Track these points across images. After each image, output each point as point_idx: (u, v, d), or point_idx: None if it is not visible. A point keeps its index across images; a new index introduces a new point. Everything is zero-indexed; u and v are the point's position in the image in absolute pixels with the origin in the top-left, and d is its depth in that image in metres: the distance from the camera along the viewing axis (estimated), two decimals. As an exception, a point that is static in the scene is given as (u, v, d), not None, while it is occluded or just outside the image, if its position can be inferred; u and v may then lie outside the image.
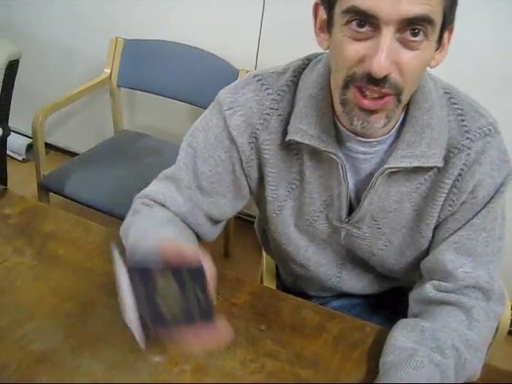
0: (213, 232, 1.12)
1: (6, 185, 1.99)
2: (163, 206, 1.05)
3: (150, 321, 0.74)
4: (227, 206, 1.09)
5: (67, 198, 2.01)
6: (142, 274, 0.74)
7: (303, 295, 1.22)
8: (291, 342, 1.02)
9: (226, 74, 2.07)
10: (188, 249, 0.80)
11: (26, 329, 0.98)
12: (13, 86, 1.85)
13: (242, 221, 2.44)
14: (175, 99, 2.22)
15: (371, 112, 0.84)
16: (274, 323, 1.05)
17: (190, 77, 2.16)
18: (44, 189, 2.05)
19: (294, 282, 1.31)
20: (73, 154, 2.85)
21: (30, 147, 3.07)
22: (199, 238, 1.10)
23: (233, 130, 1.00)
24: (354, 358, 1.00)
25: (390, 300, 1.30)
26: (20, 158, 3.04)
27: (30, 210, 1.27)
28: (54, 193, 2.05)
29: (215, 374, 0.95)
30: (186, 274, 0.76)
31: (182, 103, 2.22)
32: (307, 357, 1.00)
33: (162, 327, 0.75)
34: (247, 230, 2.50)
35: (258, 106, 1.00)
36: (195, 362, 0.96)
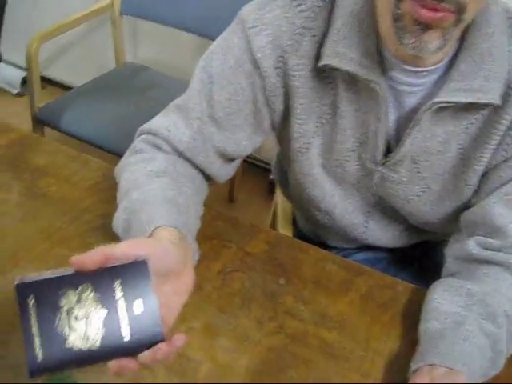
0: (226, 172, 0.98)
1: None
2: (167, 142, 0.90)
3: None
4: (244, 141, 0.95)
5: (64, 132, 1.87)
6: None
7: (322, 246, 1.09)
8: (314, 300, 0.90)
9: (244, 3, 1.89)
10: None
11: (9, 277, 0.84)
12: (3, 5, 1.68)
13: (248, 164, 2.30)
14: (183, 30, 2.03)
15: (427, 27, 0.70)
16: (295, 277, 0.93)
17: (201, 4, 1.98)
18: (39, 122, 1.90)
19: (313, 231, 1.17)
20: (71, 89, 2.68)
21: (25, 81, 2.92)
22: (210, 178, 0.95)
23: (257, 51, 0.85)
24: (385, 320, 0.88)
25: (418, 255, 1.19)
26: (15, 92, 2.90)
27: (19, 140, 1.13)
28: (50, 127, 1.90)
29: (227, 334, 0.82)
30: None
31: (191, 35, 2.04)
32: (332, 317, 0.87)
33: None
34: (253, 174, 2.37)
35: (287, 25, 0.85)
36: (205, 319, 0.83)
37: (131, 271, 0.58)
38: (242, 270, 0.91)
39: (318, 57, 0.85)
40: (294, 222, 1.27)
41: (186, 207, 0.81)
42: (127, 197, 0.81)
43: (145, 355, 0.58)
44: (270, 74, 0.87)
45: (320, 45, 0.85)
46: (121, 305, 0.58)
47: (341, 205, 1.02)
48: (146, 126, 0.94)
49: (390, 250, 1.16)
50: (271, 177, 2.31)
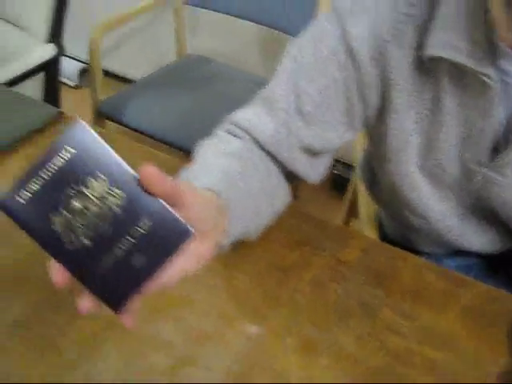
0: (315, 170, 0.90)
1: (59, 109, 1.79)
2: (248, 133, 0.83)
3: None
4: (334, 139, 0.87)
5: (125, 126, 1.81)
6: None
7: (411, 250, 1.00)
8: (415, 313, 0.82)
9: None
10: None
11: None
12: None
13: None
14: (248, 20, 1.95)
15: None
16: (393, 288, 0.84)
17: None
18: (101, 116, 1.85)
19: (403, 235, 1.09)
20: (129, 81, 2.64)
21: (82, 73, 2.91)
22: (296, 177, 0.88)
23: (354, 40, 0.78)
24: (495, 337, 0.79)
25: (506, 261, 1.08)
26: (72, 84, 2.87)
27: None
28: (111, 120, 1.85)
29: (328, 353, 0.75)
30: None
31: (255, 25, 1.96)
32: (436, 334, 0.79)
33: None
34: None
35: (388, 12, 0.77)
36: (301, 334, 0.76)
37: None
38: (335, 280, 0.84)
39: (420, 47, 0.77)
40: (379, 225, 1.18)
41: (245, 190, 0.74)
42: (188, 168, 0.74)
43: None
44: (366, 66, 0.80)
45: (423, 34, 0.76)
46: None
47: (437, 208, 0.94)
48: (229, 117, 0.87)
49: (481, 256, 1.06)
50: (335, 172, 2.23)
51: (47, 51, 1.60)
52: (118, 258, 0.49)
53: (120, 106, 1.84)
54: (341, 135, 0.87)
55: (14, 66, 1.50)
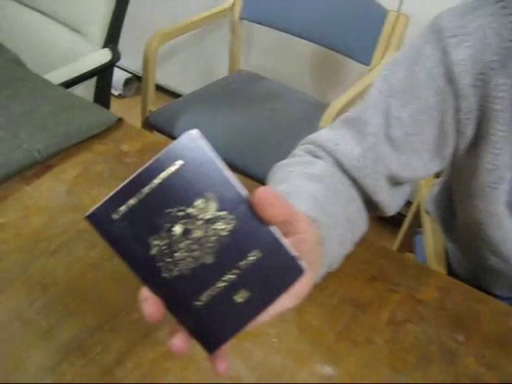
0: (396, 201, 0.83)
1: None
2: (332, 156, 0.77)
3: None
4: (419, 168, 0.80)
5: (173, 138, 1.76)
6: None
7: (481, 291, 0.93)
8: (498, 363, 0.74)
9: (370, 12, 1.75)
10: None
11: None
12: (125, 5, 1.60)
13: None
14: (304, 38, 1.90)
15: None
16: (474, 333, 0.77)
17: (321, 13, 1.85)
18: (149, 126, 1.81)
19: (475, 275, 1.01)
20: (176, 95, 2.61)
21: (127, 82, 2.89)
22: (375, 208, 0.81)
23: (455, 65, 0.71)
24: None
25: None
26: (116, 93, 2.85)
27: (150, 147, 1.02)
28: (160, 132, 1.81)
29: (407, 402, 0.67)
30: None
31: (310, 44, 1.91)
32: (522, 388, 0.71)
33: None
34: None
35: (494, 37, 0.70)
36: (378, 378, 0.69)
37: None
38: (413, 321, 0.77)
39: None
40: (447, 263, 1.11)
41: (334, 217, 0.67)
42: None
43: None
44: (466, 93, 0.73)
45: None
46: None
47: None
48: (310, 137, 0.81)
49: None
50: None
51: (102, 56, 1.56)
52: (219, 293, 0.43)
53: (169, 117, 1.80)
54: (427, 165, 0.80)
55: (67, 69, 1.46)
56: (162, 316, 0.43)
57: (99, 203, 0.42)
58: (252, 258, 0.43)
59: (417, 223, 1.43)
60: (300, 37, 1.91)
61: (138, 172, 0.41)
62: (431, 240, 1.12)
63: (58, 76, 1.40)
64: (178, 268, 0.43)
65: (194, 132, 0.42)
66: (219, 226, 0.42)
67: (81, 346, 0.67)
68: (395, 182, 0.81)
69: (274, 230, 0.43)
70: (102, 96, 1.67)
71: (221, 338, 0.44)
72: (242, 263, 0.43)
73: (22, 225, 0.81)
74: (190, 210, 0.42)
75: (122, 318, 0.70)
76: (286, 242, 0.44)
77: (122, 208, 0.42)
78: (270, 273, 0.44)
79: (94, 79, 1.64)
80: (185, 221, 0.42)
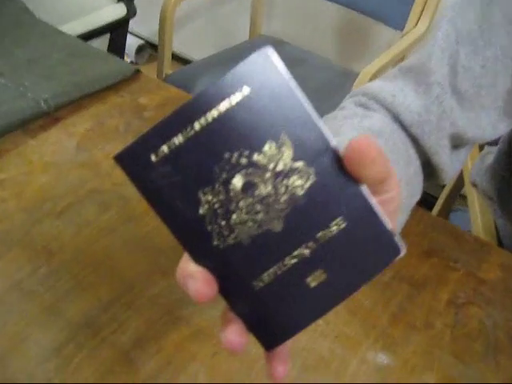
0: (454, 167, 0.72)
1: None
2: (388, 110, 0.65)
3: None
4: (487, 127, 0.68)
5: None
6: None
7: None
8: None
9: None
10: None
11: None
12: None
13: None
14: (329, 0, 1.77)
15: None
16: (546, 320, 0.66)
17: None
18: (165, 90, 1.69)
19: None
20: (189, 62, 2.49)
21: (140, 49, 2.77)
22: (434, 173, 0.69)
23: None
24: None
25: None
26: (128, 61, 2.73)
27: (170, 100, 0.90)
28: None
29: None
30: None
31: (336, 7, 1.78)
32: None
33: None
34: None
35: None
36: (441, 369, 0.58)
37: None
38: (477, 304, 0.66)
39: None
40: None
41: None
42: None
43: None
44: None
45: None
46: None
47: None
48: (359, 89, 0.69)
49: None
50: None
51: (117, 10, 1.44)
52: (287, 272, 0.33)
53: (186, 80, 1.68)
54: (496, 125, 0.68)
55: (80, 22, 1.35)
56: (215, 295, 0.32)
57: (133, 140, 0.31)
58: (334, 228, 0.32)
59: (448, 206, 1.32)
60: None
61: (187, 101, 0.30)
62: (479, 215, 1.01)
63: (70, 29, 1.28)
64: (235, 235, 0.32)
65: (269, 51, 0.31)
66: (294, 181, 0.31)
67: (91, 323, 0.56)
68: (457, 143, 0.69)
69: (366, 192, 0.32)
70: (116, 53, 1.55)
71: (284, 332, 0.33)
72: (319, 234, 0.32)
73: (24, 182, 0.70)
74: (255, 157, 0.31)
75: (139, 293, 0.59)
76: (379, 209, 0.33)
77: (164, 148, 0.30)
78: (356, 250, 0.33)
79: (107, 37, 1.52)
80: (248, 171, 0.31)
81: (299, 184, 0.31)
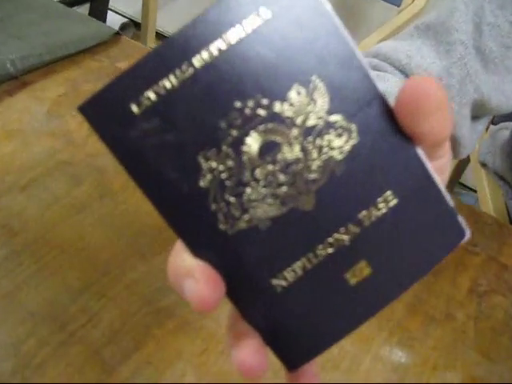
0: (473, 140, 0.64)
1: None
2: (404, 73, 0.57)
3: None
4: (510, 93, 0.60)
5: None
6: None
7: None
8: None
9: None
10: None
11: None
12: None
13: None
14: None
15: None
16: None
17: None
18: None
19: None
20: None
21: (122, 28, 2.66)
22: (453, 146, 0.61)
23: None
24: None
25: None
26: (113, 39, 2.61)
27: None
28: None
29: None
30: None
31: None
32: None
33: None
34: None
35: None
36: (465, 367, 0.50)
37: None
38: (501, 292, 0.58)
39: None
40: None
41: None
42: None
43: None
44: None
45: None
46: None
47: None
48: (370, 50, 0.61)
49: None
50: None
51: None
52: (321, 267, 0.24)
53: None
54: None
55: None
56: (221, 299, 0.23)
57: (106, 83, 0.22)
58: (382, 205, 0.24)
59: (449, 191, 1.24)
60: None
61: (182, 28, 0.22)
62: (489, 197, 0.93)
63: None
64: (249, 216, 0.23)
65: None
66: (330, 142, 0.23)
67: (57, 315, 0.47)
68: (478, 113, 0.61)
69: (424, 157, 0.24)
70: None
71: (314, 346, 0.25)
72: (363, 214, 0.24)
73: (-16, 152, 0.61)
74: (278, 107, 0.22)
75: (114, 279, 0.51)
76: (439, 180, 0.24)
77: (150, 95, 0.22)
78: (409, 234, 0.24)
79: (87, 7, 1.43)
80: (267, 127, 0.22)
81: (337, 145, 0.23)
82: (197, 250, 0.23)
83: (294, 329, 0.24)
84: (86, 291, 0.49)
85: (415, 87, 0.22)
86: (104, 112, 0.22)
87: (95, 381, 0.42)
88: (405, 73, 0.57)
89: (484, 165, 0.95)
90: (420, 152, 0.24)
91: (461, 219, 0.25)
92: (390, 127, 0.23)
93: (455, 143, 0.61)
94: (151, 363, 0.45)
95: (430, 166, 0.24)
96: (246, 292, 0.24)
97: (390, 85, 0.53)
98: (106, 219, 0.55)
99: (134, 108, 0.22)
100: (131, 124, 0.22)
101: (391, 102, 0.23)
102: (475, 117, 0.63)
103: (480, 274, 0.59)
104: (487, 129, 1.04)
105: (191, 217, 0.23)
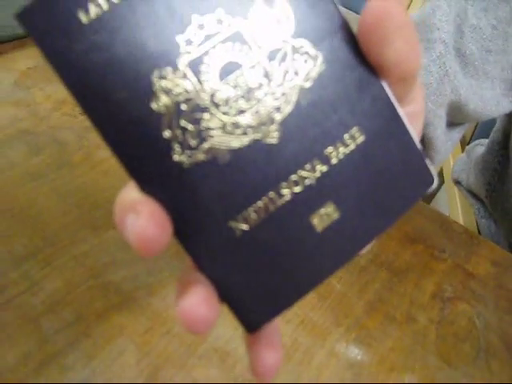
0: (447, 148, 0.63)
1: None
2: None
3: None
4: (490, 101, 0.59)
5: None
6: None
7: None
8: None
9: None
10: None
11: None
12: None
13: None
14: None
15: None
16: (542, 326, 0.56)
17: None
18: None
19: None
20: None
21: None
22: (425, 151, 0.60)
23: None
24: None
25: None
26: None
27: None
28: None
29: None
30: None
31: None
32: None
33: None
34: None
35: None
36: (424, 370, 0.48)
37: None
38: (466, 300, 0.56)
39: None
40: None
41: None
42: None
43: None
44: None
45: None
46: None
47: None
48: None
49: None
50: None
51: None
52: (284, 209, 0.22)
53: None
54: (500, 101, 0.59)
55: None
56: (167, 242, 0.21)
57: None
58: (349, 141, 0.21)
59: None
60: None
61: None
62: (461, 215, 0.92)
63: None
64: (207, 146, 0.21)
65: None
66: (297, 68, 0.21)
67: (-3, 281, 0.45)
68: (455, 116, 0.60)
69: (389, 91, 0.22)
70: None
71: (277, 302, 0.22)
72: (329, 150, 0.21)
73: None
74: (240, 25, 0.20)
75: (62, 249, 0.48)
76: (407, 120, 0.22)
77: (100, 1, 0.20)
78: (376, 175, 0.22)
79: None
80: (228, 46, 0.20)
81: (303, 72, 0.21)
82: (145, 184, 0.20)
83: (253, 282, 0.22)
84: (30, 258, 0.46)
85: (376, 7, 0.20)
86: (47, 20, 0.19)
87: (27, 348, 0.40)
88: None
89: (458, 182, 0.94)
90: (387, 88, 0.22)
91: (429, 164, 0.23)
92: (356, 58, 0.21)
93: (429, 144, 0.59)
94: (90, 336, 0.42)
95: (400, 108, 0.22)
96: (200, 235, 0.21)
97: None
98: (61, 190, 0.53)
99: (82, 16, 0.19)
100: (78, 35, 0.19)
101: None
102: (451, 123, 0.61)
103: (445, 279, 0.58)
104: (463, 148, 1.04)
105: (141, 145, 0.20)
